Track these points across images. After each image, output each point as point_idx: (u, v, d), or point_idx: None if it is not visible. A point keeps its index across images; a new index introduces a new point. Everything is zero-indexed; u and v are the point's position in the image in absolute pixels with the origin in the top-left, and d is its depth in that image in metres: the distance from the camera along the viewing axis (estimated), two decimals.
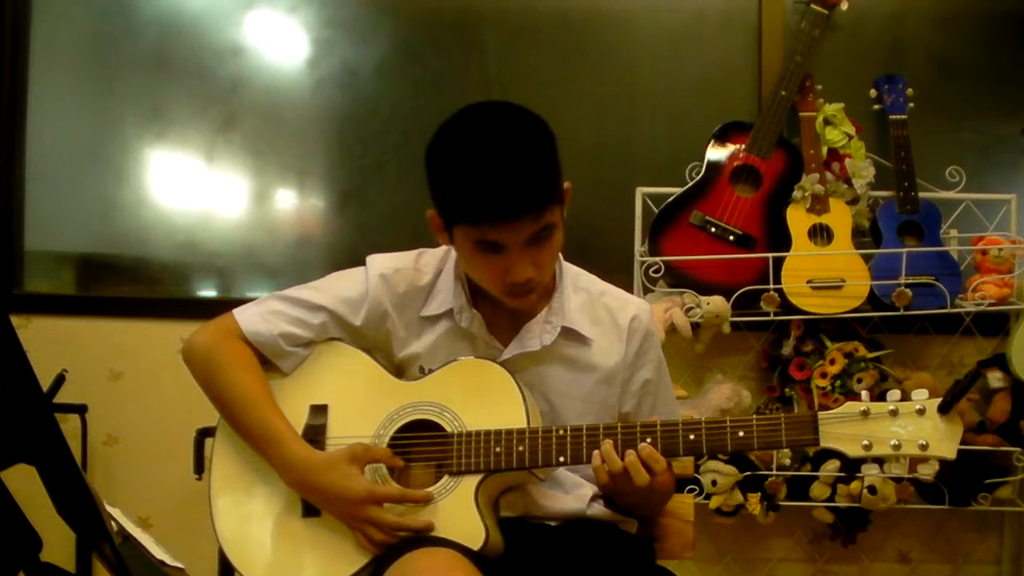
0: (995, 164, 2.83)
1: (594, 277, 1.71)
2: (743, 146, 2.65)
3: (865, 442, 1.44)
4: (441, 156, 1.48)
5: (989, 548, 2.80)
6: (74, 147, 2.93)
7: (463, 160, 1.44)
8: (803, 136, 2.66)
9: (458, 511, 1.49)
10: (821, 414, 1.46)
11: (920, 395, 1.45)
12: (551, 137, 1.48)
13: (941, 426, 1.43)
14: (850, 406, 1.46)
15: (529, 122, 1.48)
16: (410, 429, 1.57)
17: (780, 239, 2.60)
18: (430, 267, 1.64)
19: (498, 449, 1.50)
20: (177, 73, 2.90)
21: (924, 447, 1.42)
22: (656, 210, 2.64)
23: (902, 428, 1.43)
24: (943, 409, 1.43)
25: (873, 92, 2.71)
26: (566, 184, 1.53)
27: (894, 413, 1.44)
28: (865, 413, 1.45)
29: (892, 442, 1.43)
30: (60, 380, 2.54)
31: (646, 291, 2.62)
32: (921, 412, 1.43)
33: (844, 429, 1.45)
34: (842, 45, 2.81)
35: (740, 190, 2.64)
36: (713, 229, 2.60)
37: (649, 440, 1.48)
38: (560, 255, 1.61)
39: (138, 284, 2.91)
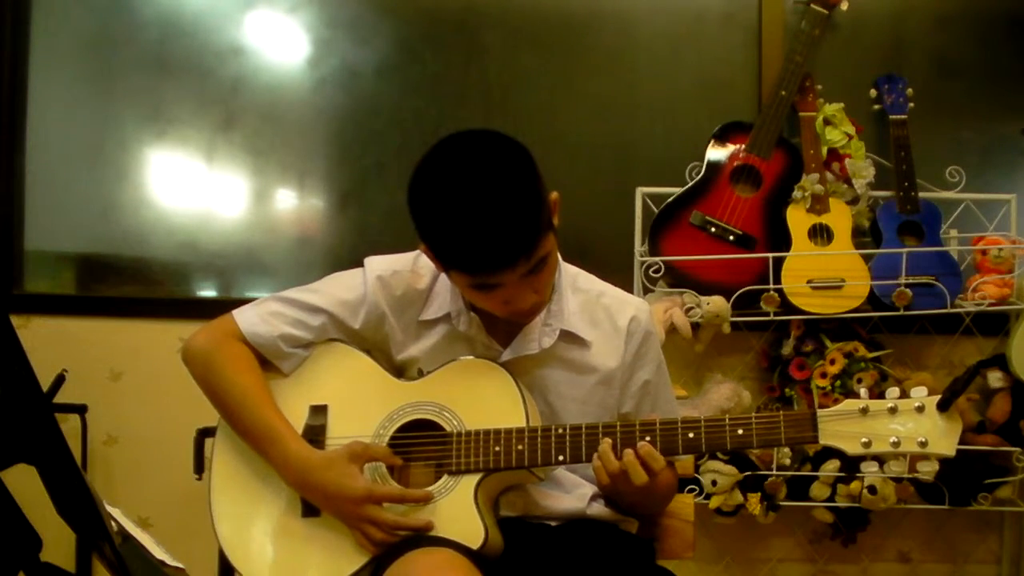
0: (995, 164, 2.83)
1: (593, 277, 1.70)
2: (743, 146, 2.65)
3: (864, 439, 1.43)
4: (426, 206, 1.45)
5: (989, 548, 2.81)
6: (74, 147, 2.93)
7: (449, 214, 1.42)
8: (803, 136, 2.66)
9: (457, 510, 1.49)
10: (820, 412, 1.45)
11: (919, 392, 1.44)
12: (533, 169, 1.45)
13: (940, 423, 1.42)
14: (849, 403, 1.45)
15: (510, 159, 1.45)
16: (409, 429, 1.57)
17: (780, 239, 2.60)
18: (428, 269, 1.64)
19: (497, 448, 1.50)
20: (177, 73, 2.90)
21: (923, 444, 1.42)
22: (656, 210, 2.64)
23: (901, 425, 1.43)
24: (942, 406, 1.42)
25: (873, 92, 2.71)
26: (553, 196, 1.50)
27: (893, 410, 1.44)
28: (864, 411, 1.44)
29: (891, 439, 1.42)
30: (60, 380, 2.54)
31: (646, 291, 2.62)
32: (920, 409, 1.43)
33: (843, 427, 1.44)
34: (842, 45, 2.81)
35: (740, 190, 2.64)
36: (713, 229, 2.60)
37: (648, 439, 1.48)
38: (558, 256, 1.61)
39: (138, 284, 2.90)
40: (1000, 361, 2.58)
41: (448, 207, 1.42)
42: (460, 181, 1.42)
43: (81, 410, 2.72)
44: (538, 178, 1.46)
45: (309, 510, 1.55)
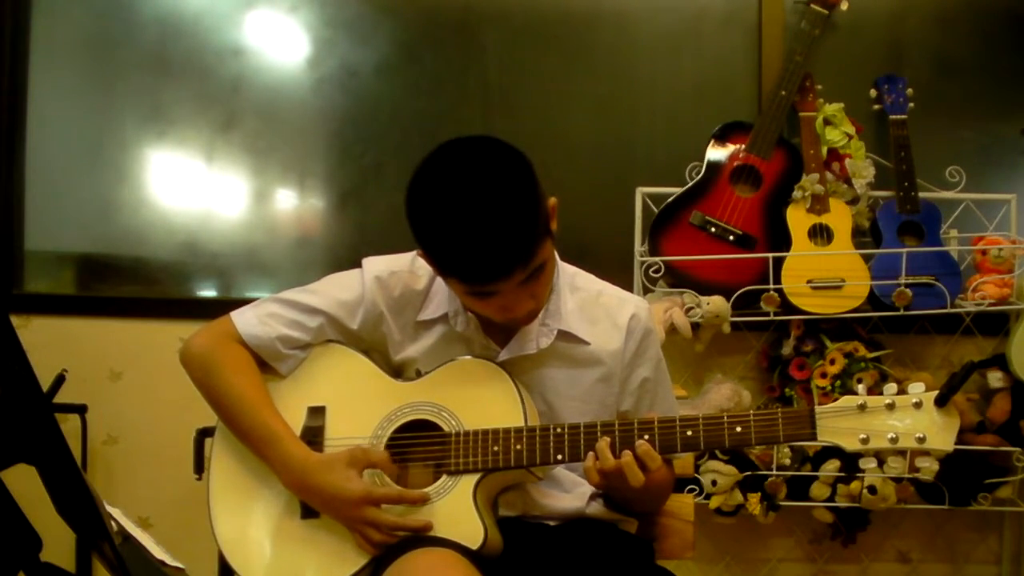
0: (995, 164, 2.83)
1: (591, 276, 1.70)
2: (743, 146, 2.65)
3: (862, 436, 1.43)
4: (422, 215, 1.45)
5: (989, 548, 2.81)
6: (74, 147, 2.93)
7: (445, 226, 1.41)
8: (803, 136, 2.66)
9: (456, 511, 1.49)
10: (818, 408, 1.46)
11: (917, 388, 1.45)
12: (530, 177, 1.44)
13: (938, 419, 1.42)
14: (847, 400, 1.46)
15: (507, 168, 1.44)
16: (408, 429, 1.57)
17: (780, 239, 2.60)
18: (425, 270, 1.63)
19: (496, 448, 1.50)
20: (177, 73, 2.90)
21: (921, 440, 1.42)
22: (656, 210, 2.64)
23: (899, 421, 1.43)
24: (940, 402, 1.43)
25: (873, 92, 2.71)
26: (551, 201, 1.50)
27: (891, 407, 1.44)
28: (862, 407, 1.45)
29: (889, 435, 1.43)
30: (60, 380, 2.54)
31: (646, 291, 2.62)
32: (918, 405, 1.43)
33: (841, 423, 1.45)
34: (842, 45, 2.81)
35: (740, 190, 2.64)
36: (713, 229, 2.60)
37: (647, 437, 1.48)
38: (556, 255, 1.60)
39: (138, 284, 2.91)
40: (1000, 361, 2.58)
41: (444, 218, 1.42)
42: (456, 191, 1.41)
43: (81, 410, 2.72)
44: (536, 185, 1.45)
45: (308, 512, 1.55)
